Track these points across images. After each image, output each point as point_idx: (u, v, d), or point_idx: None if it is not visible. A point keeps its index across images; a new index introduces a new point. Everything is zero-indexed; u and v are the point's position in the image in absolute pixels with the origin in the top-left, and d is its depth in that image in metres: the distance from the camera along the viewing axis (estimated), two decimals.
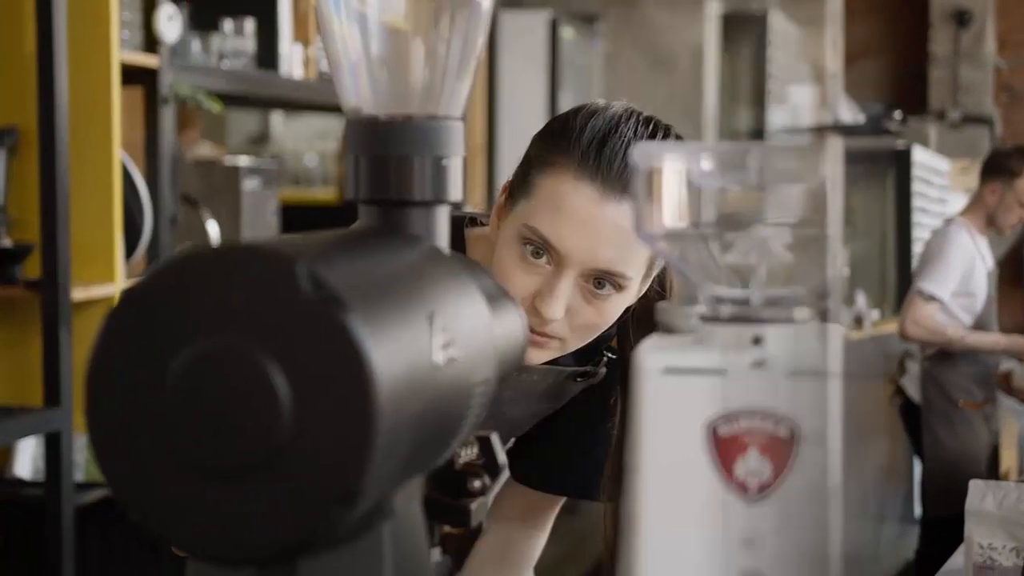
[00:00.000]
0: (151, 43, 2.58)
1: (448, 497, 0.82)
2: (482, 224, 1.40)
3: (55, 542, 2.32)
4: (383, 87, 0.77)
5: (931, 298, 4.12)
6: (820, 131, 5.72)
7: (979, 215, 4.31)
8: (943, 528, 4.23)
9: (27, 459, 2.97)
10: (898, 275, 7.31)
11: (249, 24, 2.96)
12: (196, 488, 0.60)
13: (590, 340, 1.29)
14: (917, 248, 6.94)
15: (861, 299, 6.58)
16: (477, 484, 0.83)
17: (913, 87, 8.88)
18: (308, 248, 0.62)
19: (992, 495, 1.86)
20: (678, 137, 1.30)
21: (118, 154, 2.41)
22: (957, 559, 2.10)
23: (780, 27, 7.35)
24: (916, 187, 6.81)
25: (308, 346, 0.58)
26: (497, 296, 0.82)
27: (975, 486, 1.89)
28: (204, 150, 4.91)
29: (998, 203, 4.26)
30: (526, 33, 5.88)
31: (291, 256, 0.59)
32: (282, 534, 0.60)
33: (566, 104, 6.39)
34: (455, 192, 0.77)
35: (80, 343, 2.31)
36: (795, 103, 5.79)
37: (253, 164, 3.11)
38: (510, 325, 0.81)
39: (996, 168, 4.31)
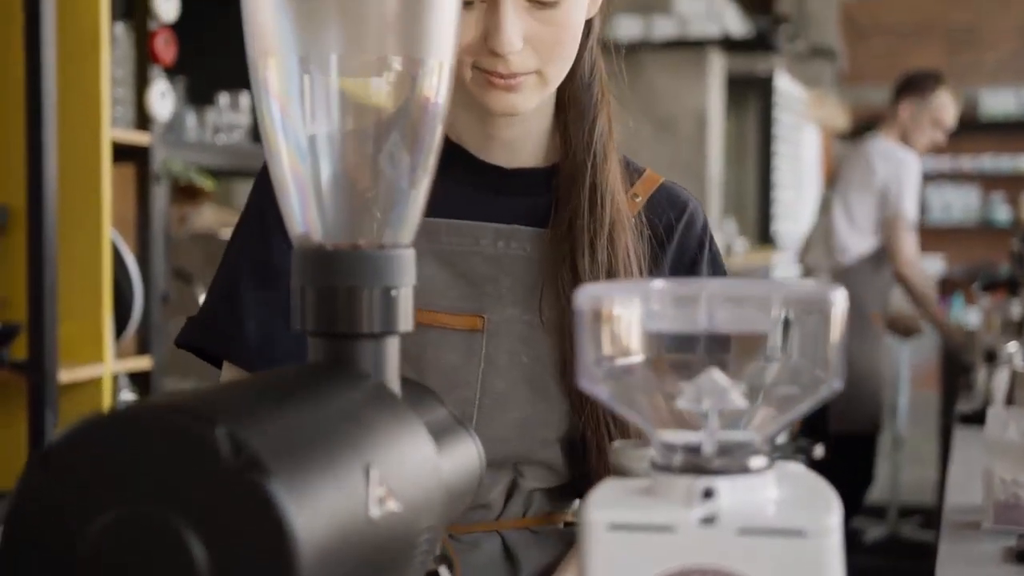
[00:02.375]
0: (144, 119, 2.57)
1: None
2: None
3: None
4: (330, 214, 0.75)
5: (912, 226, 4.16)
6: (706, 44, 5.61)
7: (894, 136, 4.36)
8: (845, 446, 4.19)
9: None
10: (759, 204, 7.23)
11: (245, 98, 2.95)
12: None
13: (568, 65, 1.18)
14: (777, 177, 6.92)
15: (731, 226, 6.49)
16: None
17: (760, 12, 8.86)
18: (232, 404, 0.59)
19: (1015, 423, 1.66)
20: None
21: (108, 233, 2.40)
22: (973, 496, 1.82)
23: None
24: (776, 114, 6.80)
25: (228, 514, 0.55)
26: (449, 428, 0.79)
27: (995, 414, 1.70)
28: (208, 215, 4.89)
29: (912, 122, 4.31)
30: None
31: (210, 417, 0.56)
32: None
33: None
34: (405, 322, 0.75)
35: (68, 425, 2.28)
36: (681, 12, 5.64)
37: None
38: (462, 458, 0.79)
39: (910, 87, 4.39)
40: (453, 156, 1.24)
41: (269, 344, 1.20)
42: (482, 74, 1.15)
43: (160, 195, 2.59)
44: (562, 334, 1.21)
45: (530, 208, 1.25)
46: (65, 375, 2.32)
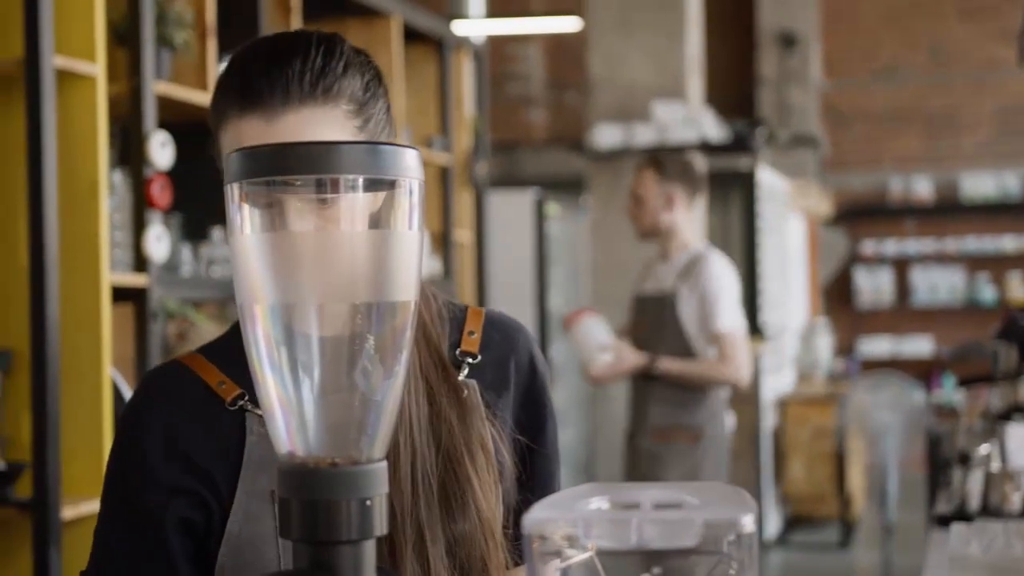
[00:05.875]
0: (141, 261, 2.68)
1: None
2: None
3: None
4: (312, 436, 0.85)
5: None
6: (685, 148, 5.74)
7: None
8: None
9: None
10: (747, 296, 7.31)
11: None
12: None
13: None
14: (762, 269, 7.03)
15: None
16: None
17: (741, 108, 9.09)
18: None
19: (977, 540, 1.74)
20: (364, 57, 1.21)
21: (108, 372, 2.50)
22: None
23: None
24: (759, 207, 6.94)
25: None
26: None
27: (958, 530, 1.78)
28: (205, 331, 4.98)
29: None
30: (514, 210, 6.10)
31: None
32: None
33: (555, 276, 6.57)
34: (380, 527, 0.85)
35: (71, 562, 2.37)
36: (660, 120, 5.77)
37: None
38: None
39: None
40: None
41: None
42: None
43: (156, 332, 2.70)
44: None
45: None
46: (68, 511, 2.41)
